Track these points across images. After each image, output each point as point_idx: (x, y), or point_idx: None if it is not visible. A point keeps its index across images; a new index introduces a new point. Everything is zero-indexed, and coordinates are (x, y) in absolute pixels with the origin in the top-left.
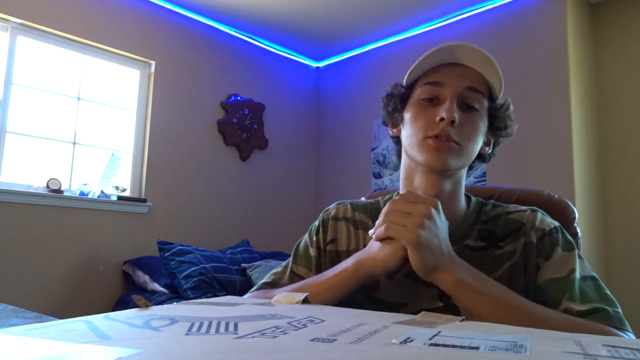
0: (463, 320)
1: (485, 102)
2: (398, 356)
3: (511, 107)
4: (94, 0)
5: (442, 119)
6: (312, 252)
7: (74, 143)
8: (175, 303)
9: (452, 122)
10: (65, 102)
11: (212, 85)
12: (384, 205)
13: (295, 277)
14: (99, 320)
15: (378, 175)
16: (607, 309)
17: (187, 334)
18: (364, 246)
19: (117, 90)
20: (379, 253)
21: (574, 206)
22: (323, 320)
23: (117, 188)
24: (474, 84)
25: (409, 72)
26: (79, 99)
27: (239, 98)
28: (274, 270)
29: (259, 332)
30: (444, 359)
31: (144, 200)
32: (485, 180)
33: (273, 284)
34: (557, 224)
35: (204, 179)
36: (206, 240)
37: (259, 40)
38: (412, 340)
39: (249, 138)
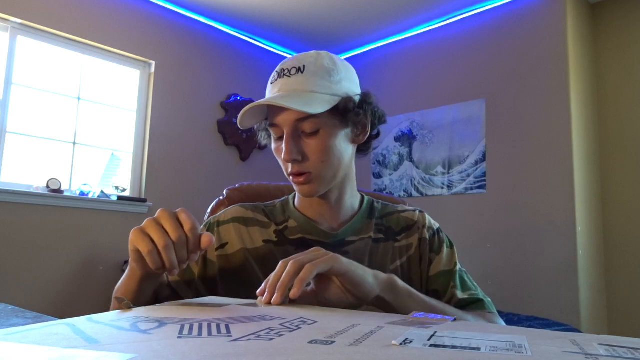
0: (455, 320)
1: (325, 116)
2: (401, 358)
3: (355, 98)
4: (94, 0)
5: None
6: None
7: (74, 143)
8: (158, 304)
9: (295, 160)
10: (65, 102)
11: (212, 85)
12: (282, 206)
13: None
14: (82, 323)
15: (378, 175)
16: (484, 300)
17: (179, 337)
18: (264, 242)
19: (117, 90)
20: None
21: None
22: (315, 322)
23: (117, 188)
24: (301, 115)
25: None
26: (79, 99)
27: (239, 98)
28: None
29: (253, 334)
30: None
31: (144, 200)
32: (485, 181)
33: None
34: (438, 224)
35: (204, 179)
36: None
37: (259, 40)
38: (411, 342)
39: (249, 138)
